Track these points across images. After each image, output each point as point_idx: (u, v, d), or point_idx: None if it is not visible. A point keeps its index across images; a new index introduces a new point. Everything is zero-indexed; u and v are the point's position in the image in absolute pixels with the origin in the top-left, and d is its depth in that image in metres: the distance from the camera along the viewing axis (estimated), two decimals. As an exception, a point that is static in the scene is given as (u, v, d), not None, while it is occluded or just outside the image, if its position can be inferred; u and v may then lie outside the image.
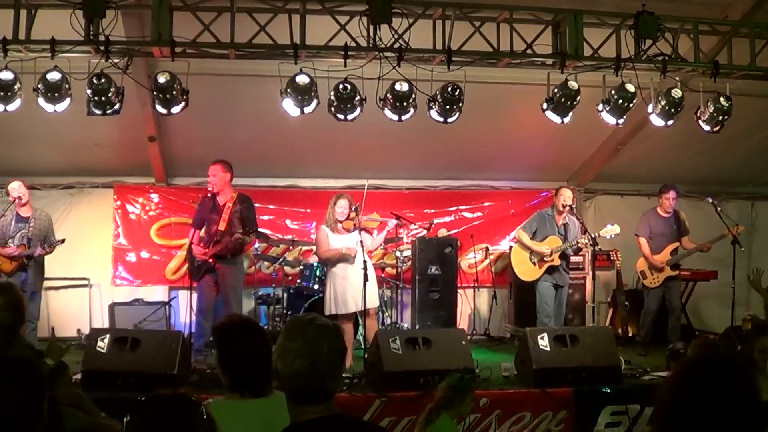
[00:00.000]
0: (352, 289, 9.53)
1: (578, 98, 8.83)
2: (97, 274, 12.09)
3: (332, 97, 8.54)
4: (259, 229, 10.13)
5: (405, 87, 8.49)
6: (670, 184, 11.24)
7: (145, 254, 12.24)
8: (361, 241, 9.47)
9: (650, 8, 8.46)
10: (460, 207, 13.15)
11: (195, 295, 9.87)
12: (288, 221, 12.58)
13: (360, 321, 10.03)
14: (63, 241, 10.32)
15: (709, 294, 12.50)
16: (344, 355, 3.14)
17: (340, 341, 3.11)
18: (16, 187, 10.12)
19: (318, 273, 10.98)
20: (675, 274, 11.14)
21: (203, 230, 10.02)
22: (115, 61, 8.03)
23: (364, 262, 9.36)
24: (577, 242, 10.58)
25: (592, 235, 10.36)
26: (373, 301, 9.68)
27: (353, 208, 9.75)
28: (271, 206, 12.45)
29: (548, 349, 8.67)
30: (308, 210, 12.63)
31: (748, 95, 10.12)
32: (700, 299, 12.63)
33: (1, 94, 8.08)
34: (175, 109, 8.49)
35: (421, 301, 11.48)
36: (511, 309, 12.48)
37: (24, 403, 3.14)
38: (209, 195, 9.93)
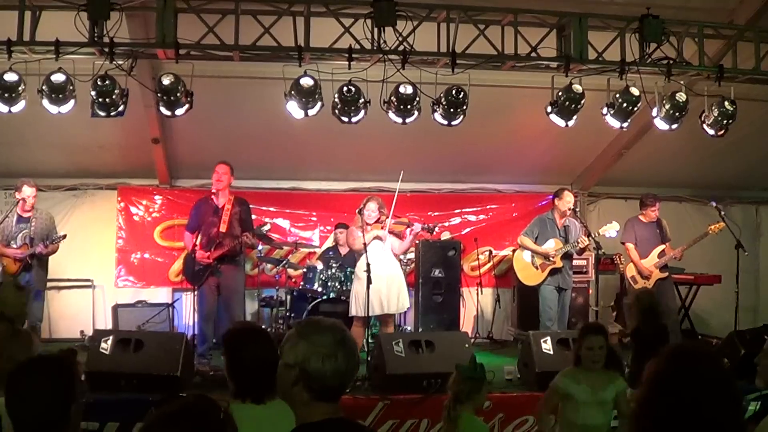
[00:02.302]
0: (373, 292, 9.52)
1: (582, 102, 8.80)
2: (100, 275, 12.10)
3: (336, 100, 8.54)
4: (263, 231, 10.10)
5: (409, 90, 8.48)
6: (653, 195, 11.30)
7: (148, 256, 12.25)
8: (365, 245, 9.43)
9: (655, 12, 8.46)
10: (464, 210, 13.16)
11: (197, 300, 9.89)
12: (291, 223, 12.58)
13: (369, 324, 10.03)
14: (65, 236, 10.31)
15: (713, 298, 12.46)
16: None
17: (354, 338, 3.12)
18: (29, 193, 10.09)
19: (321, 276, 10.97)
20: (665, 276, 11.16)
21: (201, 233, 9.98)
22: (120, 62, 8.04)
23: (368, 265, 9.31)
24: (578, 242, 10.56)
25: (595, 238, 10.35)
26: (392, 306, 9.69)
27: (381, 210, 9.74)
28: (274, 208, 12.45)
29: (551, 352, 8.66)
30: (312, 212, 12.66)
31: (752, 99, 10.12)
32: (704, 303, 12.59)
33: (6, 95, 8.08)
34: (179, 111, 8.49)
35: (425, 304, 11.46)
36: (515, 312, 12.46)
37: (54, 402, 3.17)
38: (210, 198, 9.93)
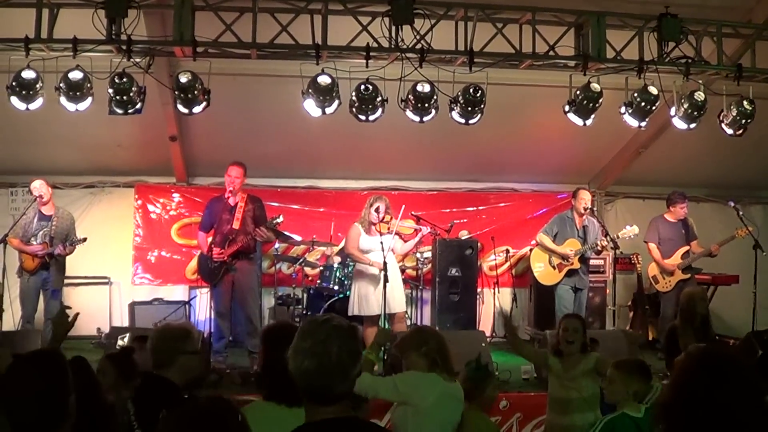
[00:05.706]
0: (376, 291, 9.49)
1: (600, 100, 8.77)
2: (117, 273, 12.13)
3: (354, 98, 8.53)
4: (276, 224, 10.08)
5: (427, 88, 8.46)
6: (681, 193, 11.22)
7: (165, 253, 12.28)
8: (382, 243, 9.43)
9: (673, 11, 8.42)
10: (481, 209, 13.11)
11: (213, 297, 9.90)
12: (308, 222, 12.56)
13: (388, 325, 10.00)
14: (85, 239, 10.38)
15: (731, 298, 12.39)
16: (356, 357, 3.04)
17: (353, 343, 3.05)
18: (37, 186, 10.20)
19: (338, 274, 10.95)
20: (687, 277, 11.10)
21: (215, 231, 10.02)
22: (137, 60, 8.05)
23: (385, 263, 9.30)
24: (597, 244, 10.54)
25: (613, 237, 10.32)
26: (397, 305, 9.65)
27: (388, 211, 9.73)
28: (291, 207, 12.42)
29: (568, 352, 8.63)
30: (329, 211, 12.63)
31: (772, 99, 10.03)
32: (722, 304, 12.51)
33: (24, 93, 8.10)
34: (197, 109, 8.49)
35: (442, 303, 11.44)
36: (532, 311, 12.42)
37: (47, 398, 3.13)
38: (225, 197, 9.97)
